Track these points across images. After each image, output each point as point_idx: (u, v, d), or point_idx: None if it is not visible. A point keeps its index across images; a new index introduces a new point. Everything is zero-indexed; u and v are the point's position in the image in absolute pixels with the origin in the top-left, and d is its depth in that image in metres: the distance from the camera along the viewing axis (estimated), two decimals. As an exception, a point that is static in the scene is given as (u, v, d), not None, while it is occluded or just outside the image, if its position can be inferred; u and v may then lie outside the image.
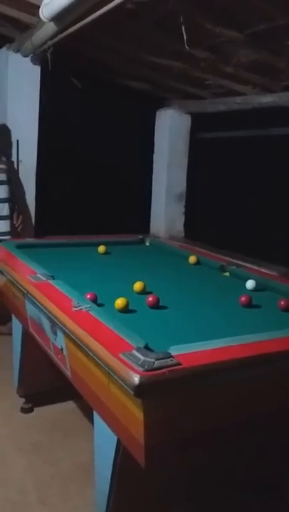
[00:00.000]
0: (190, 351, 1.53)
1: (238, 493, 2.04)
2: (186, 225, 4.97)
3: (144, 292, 2.26)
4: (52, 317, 1.94)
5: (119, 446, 1.67)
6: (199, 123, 4.86)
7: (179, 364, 1.43)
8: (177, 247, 3.65)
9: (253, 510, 2.07)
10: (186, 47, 3.04)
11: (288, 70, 3.31)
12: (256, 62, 3.38)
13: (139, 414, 1.41)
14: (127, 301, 2.03)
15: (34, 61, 3.99)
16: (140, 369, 1.39)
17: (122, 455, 1.67)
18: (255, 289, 2.45)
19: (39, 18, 2.92)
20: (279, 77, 3.57)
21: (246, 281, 2.50)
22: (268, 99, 3.74)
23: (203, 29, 2.98)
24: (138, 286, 2.30)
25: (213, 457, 1.83)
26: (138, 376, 1.36)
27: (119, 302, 2.02)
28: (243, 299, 2.18)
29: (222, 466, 1.92)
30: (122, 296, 2.05)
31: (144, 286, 2.30)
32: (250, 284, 2.45)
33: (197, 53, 3.38)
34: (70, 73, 4.33)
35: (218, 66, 3.65)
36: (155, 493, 1.82)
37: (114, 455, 1.69)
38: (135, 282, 2.31)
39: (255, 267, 2.98)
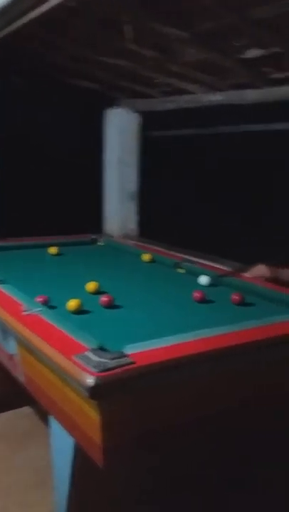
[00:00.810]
0: (145, 349, 1.52)
1: (206, 490, 2.05)
2: (140, 223, 4.97)
3: (97, 292, 2.24)
4: (1, 322, 1.88)
5: (77, 449, 1.64)
6: (149, 121, 4.87)
7: (133, 363, 1.42)
8: (131, 245, 3.64)
9: (221, 507, 2.08)
10: (130, 45, 3.03)
11: (234, 68, 3.36)
12: (203, 61, 3.42)
13: (95, 416, 1.39)
14: (80, 302, 2.00)
15: (-24, 59, 3.86)
16: (94, 370, 1.37)
17: (80, 458, 1.64)
18: (210, 285, 2.48)
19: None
20: (226, 76, 3.62)
21: (200, 276, 2.52)
22: (216, 97, 3.79)
23: (150, 28, 2.98)
24: (91, 286, 2.27)
25: (176, 455, 1.84)
26: (92, 377, 1.34)
27: (72, 304, 1.98)
28: (196, 294, 2.20)
29: (185, 465, 1.92)
30: (74, 298, 2.01)
31: (98, 286, 2.27)
32: (203, 279, 2.48)
33: (144, 52, 3.38)
34: (13, 72, 4.22)
35: (165, 65, 3.66)
36: (116, 496, 1.80)
37: (72, 458, 1.66)
38: (88, 282, 2.28)
39: (209, 263, 3.02)
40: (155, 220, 4.90)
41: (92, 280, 2.30)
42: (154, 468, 1.80)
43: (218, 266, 2.87)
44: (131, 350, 1.50)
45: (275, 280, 2.41)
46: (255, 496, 2.12)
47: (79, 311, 1.99)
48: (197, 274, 2.62)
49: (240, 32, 2.83)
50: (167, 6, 2.78)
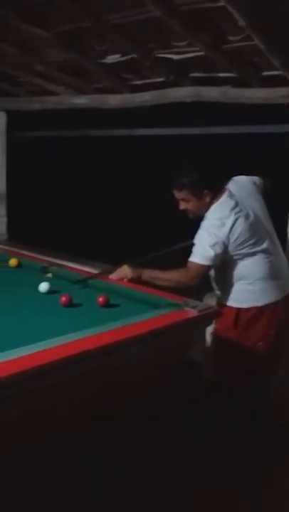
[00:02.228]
0: (5, 360, 1.48)
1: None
2: (9, 226, 4.79)
3: None
4: None
5: None
6: (17, 121, 4.71)
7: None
8: (-2, 250, 3.48)
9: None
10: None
11: (97, 72, 3.41)
12: (66, 62, 3.42)
13: None
14: None
15: None
16: None
17: None
18: (80, 287, 2.47)
19: None
20: (89, 80, 3.66)
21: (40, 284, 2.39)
22: (80, 100, 3.81)
23: (9, 24, 2.89)
24: None
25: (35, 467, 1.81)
26: None
27: None
28: (62, 299, 2.18)
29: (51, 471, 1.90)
30: None
31: None
32: (43, 286, 2.38)
33: (4, 48, 3.27)
34: None
35: (29, 64, 3.58)
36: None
37: None
38: None
39: (77, 266, 3.01)
40: (25, 222, 4.77)
41: None
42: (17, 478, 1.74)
43: (85, 268, 2.88)
44: (-10, 360, 1.44)
45: (137, 280, 2.49)
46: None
47: None
48: (65, 278, 2.60)
49: (100, 36, 2.89)
50: (27, 4, 2.72)
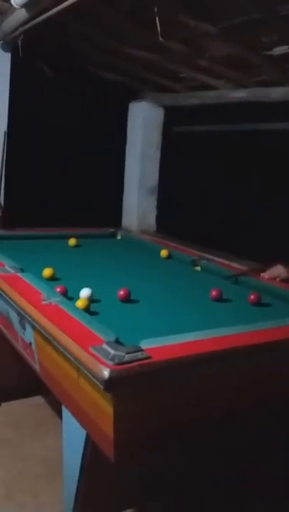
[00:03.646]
0: (161, 345, 1.52)
1: (208, 490, 2.04)
2: (158, 218, 4.96)
3: (53, 279, 2.28)
4: (20, 311, 1.90)
5: (88, 441, 1.64)
6: (173, 116, 4.84)
7: (149, 357, 1.42)
8: (149, 240, 3.64)
9: (224, 508, 2.07)
10: (160, 38, 3.01)
11: (261, 65, 3.32)
12: (229, 56, 3.39)
13: (108, 409, 1.39)
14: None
15: (4, 48, 3.90)
16: (110, 363, 1.37)
17: (91, 450, 1.65)
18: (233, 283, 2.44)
19: (10, 4, 2.85)
20: (251, 73, 3.58)
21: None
22: (240, 94, 3.75)
23: (178, 21, 2.96)
24: (46, 272, 2.30)
25: (185, 453, 1.83)
26: (108, 370, 1.34)
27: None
28: (213, 293, 2.18)
29: (193, 463, 1.91)
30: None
31: (53, 272, 2.30)
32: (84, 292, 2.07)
33: (171, 45, 3.36)
34: (42, 61, 4.26)
35: (193, 59, 3.64)
36: (124, 490, 1.80)
37: (83, 450, 1.67)
38: (44, 269, 2.31)
39: (227, 262, 2.99)
40: (174, 215, 4.89)
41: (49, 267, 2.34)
42: (167, 465, 1.80)
43: (235, 265, 2.85)
44: (146, 344, 1.49)
45: (292, 281, 2.38)
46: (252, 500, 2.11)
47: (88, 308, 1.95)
48: (214, 273, 2.60)
49: (269, 28, 2.80)
50: (196, 0, 2.76)
